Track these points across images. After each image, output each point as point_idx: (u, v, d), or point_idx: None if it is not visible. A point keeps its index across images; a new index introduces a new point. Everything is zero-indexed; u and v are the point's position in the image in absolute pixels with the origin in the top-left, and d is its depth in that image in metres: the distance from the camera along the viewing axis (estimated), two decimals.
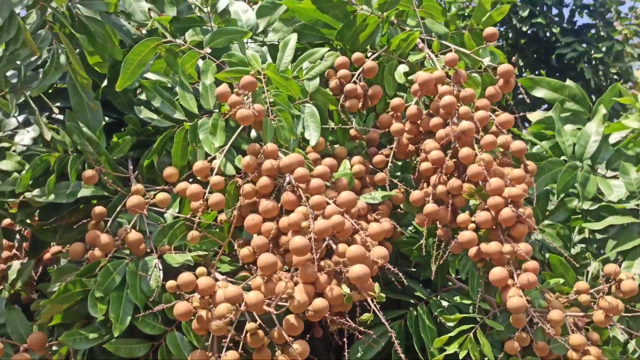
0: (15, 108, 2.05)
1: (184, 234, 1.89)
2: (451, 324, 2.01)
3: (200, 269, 1.62)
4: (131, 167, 2.16)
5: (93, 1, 2.21)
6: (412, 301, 2.13)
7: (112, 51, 2.23)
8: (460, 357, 1.88)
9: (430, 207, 1.87)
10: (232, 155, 1.96)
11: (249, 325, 1.55)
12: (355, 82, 2.09)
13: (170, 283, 1.59)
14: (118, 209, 1.98)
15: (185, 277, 1.56)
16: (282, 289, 1.49)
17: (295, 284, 1.60)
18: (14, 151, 2.10)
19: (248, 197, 1.79)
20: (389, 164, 2.04)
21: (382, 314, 1.55)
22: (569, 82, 2.53)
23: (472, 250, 1.84)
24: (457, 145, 1.86)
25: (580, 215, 2.38)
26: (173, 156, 2.06)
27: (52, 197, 1.96)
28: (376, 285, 1.54)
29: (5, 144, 2.10)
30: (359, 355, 1.97)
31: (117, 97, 2.26)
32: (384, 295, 1.54)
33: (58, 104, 2.24)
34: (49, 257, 2.67)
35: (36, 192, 1.96)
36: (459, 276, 2.27)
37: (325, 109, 2.09)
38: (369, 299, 1.51)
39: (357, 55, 2.12)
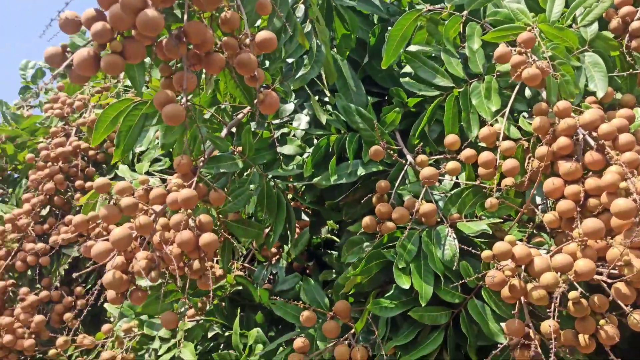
0: (291, 94, 2.19)
1: (473, 202, 1.88)
2: None
3: (510, 237, 1.59)
4: (400, 139, 2.19)
5: None
6: None
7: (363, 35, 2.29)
8: None
9: None
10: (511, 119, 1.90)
11: (572, 294, 1.50)
12: None
13: (486, 253, 1.59)
14: (398, 181, 2.03)
15: (501, 246, 1.55)
16: (616, 255, 1.41)
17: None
18: (294, 136, 2.25)
19: (544, 160, 1.71)
20: None
21: None
22: None
23: None
24: None
25: None
26: (445, 124, 2.05)
27: (335, 178, 2.07)
28: None
29: (285, 130, 2.26)
30: None
31: (377, 72, 2.31)
32: None
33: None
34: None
35: (322, 177, 2.07)
36: None
37: (607, 56, 1.92)
38: None
39: None
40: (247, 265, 2.89)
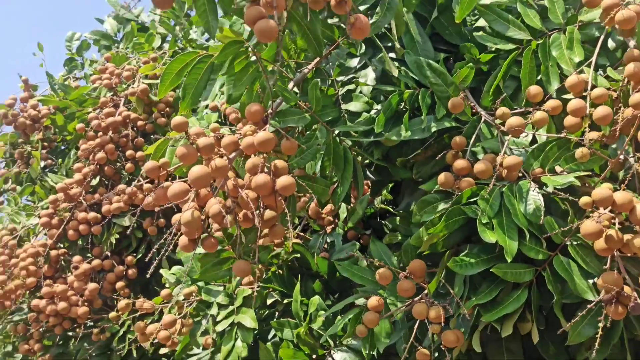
0: (361, 46, 2.13)
1: (557, 155, 1.80)
2: None
3: (607, 185, 1.51)
4: (470, 97, 2.12)
5: None
6: None
7: None
8: None
9: None
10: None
11: None
12: None
13: (585, 199, 1.51)
14: (473, 138, 1.96)
15: (602, 191, 1.47)
16: None
17: None
18: (360, 92, 2.19)
19: (638, 108, 1.63)
20: None
21: None
22: None
23: None
24: None
25: None
26: (522, 78, 1.97)
27: (408, 134, 2.00)
28: None
29: (350, 87, 2.20)
30: None
31: (445, 29, 2.23)
32: None
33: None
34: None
35: (393, 132, 2.01)
36: None
37: None
38: None
39: None
40: (302, 234, 2.84)
